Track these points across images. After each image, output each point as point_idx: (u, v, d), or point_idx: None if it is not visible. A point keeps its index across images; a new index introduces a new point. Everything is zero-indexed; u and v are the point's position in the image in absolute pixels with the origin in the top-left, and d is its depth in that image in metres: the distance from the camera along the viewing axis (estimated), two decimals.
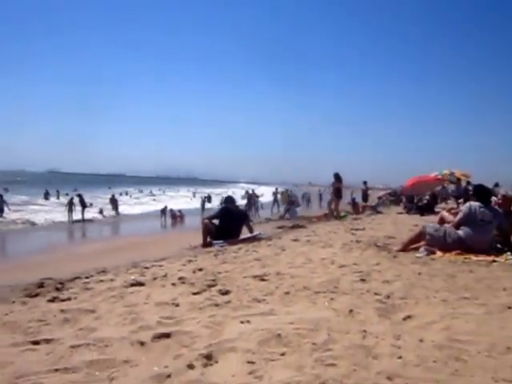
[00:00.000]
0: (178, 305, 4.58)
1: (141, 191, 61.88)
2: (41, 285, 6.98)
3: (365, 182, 31.77)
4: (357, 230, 12.53)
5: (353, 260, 7.15)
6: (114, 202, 35.03)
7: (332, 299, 4.72)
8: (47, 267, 9.91)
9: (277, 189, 37.09)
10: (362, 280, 5.66)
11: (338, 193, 20.44)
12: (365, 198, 30.38)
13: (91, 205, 34.44)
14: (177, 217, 29.82)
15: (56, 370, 3.04)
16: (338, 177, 20.49)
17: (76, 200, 28.78)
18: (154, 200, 45.72)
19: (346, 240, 9.75)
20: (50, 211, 31.47)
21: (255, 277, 5.87)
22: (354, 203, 27.93)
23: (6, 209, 27.73)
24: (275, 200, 34.97)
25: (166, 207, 31.14)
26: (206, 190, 67.89)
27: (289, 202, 28.96)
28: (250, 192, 37.29)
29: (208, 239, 11.08)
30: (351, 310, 4.23)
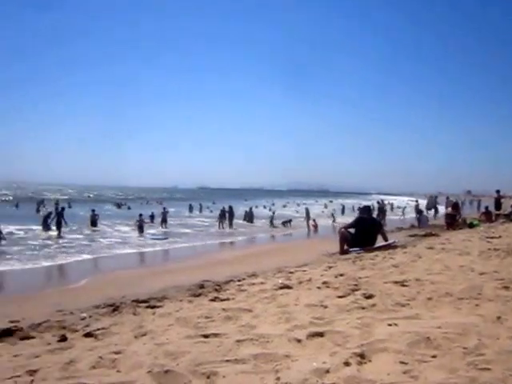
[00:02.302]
0: (326, 307, 4.60)
1: (273, 204, 62.27)
2: (201, 286, 7.45)
3: (498, 191, 29.17)
4: (492, 238, 11.59)
5: (492, 267, 6.63)
6: (249, 215, 35.81)
7: (477, 305, 4.41)
8: (204, 270, 10.48)
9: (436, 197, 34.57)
10: (506, 287, 5.21)
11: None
12: (498, 206, 27.96)
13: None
14: (313, 226, 30.03)
15: (227, 360, 3.21)
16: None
17: (224, 211, 30.38)
18: (297, 212, 45.51)
19: (483, 248, 9.07)
20: (202, 223, 33.26)
21: (395, 282, 5.70)
22: (487, 212, 25.90)
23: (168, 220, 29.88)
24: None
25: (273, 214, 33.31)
26: (337, 202, 67.32)
27: (418, 211, 27.72)
28: (381, 202, 36.29)
29: (344, 247, 10.98)
30: (499, 317, 3.93)
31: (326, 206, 60.23)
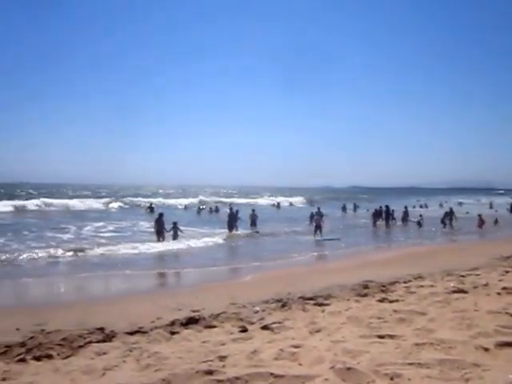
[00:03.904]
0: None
1: (425, 204, 57.38)
2: (366, 286, 7.36)
3: None
4: None
5: None
6: (405, 214, 33.94)
7: None
8: (363, 270, 10.27)
9: None
10: None
11: None
12: None
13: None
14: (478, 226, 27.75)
15: (410, 363, 3.13)
16: None
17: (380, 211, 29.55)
18: (467, 213, 41.64)
19: None
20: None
21: None
22: None
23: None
24: None
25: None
26: (502, 201, 61.18)
27: None
28: None
29: None
30: None
31: (491, 206, 54.83)
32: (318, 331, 4.27)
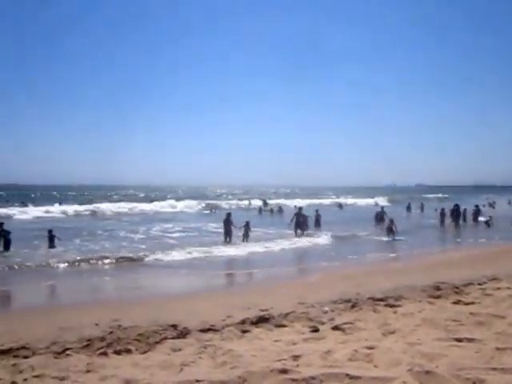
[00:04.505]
0: None
1: (493, 202, 53.60)
2: (437, 287, 7.12)
3: None
4: None
5: None
6: (476, 213, 32.29)
7: None
8: (430, 271, 9.93)
9: None
10: None
11: None
12: None
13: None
14: None
15: (492, 368, 3.00)
16: None
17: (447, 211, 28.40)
18: None
19: None
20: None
21: None
22: None
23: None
24: None
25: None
26: None
27: None
28: None
29: None
30: None
31: None
32: (391, 333, 4.18)
